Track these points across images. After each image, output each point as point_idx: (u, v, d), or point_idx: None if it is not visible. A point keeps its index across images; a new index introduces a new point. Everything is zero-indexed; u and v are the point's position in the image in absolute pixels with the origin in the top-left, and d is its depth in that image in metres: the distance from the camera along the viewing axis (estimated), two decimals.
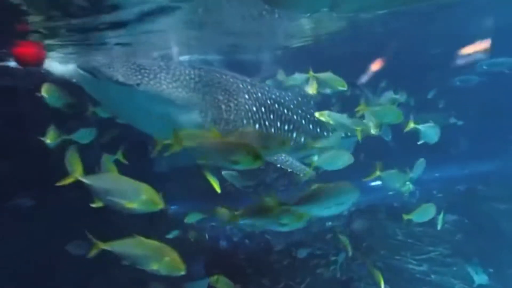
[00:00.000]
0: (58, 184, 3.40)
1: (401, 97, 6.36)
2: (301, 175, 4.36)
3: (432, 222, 7.93)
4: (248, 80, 5.00)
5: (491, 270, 7.31)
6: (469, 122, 9.39)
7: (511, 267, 7.49)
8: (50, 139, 4.55)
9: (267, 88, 5.16)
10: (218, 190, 3.93)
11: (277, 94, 5.25)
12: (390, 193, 8.48)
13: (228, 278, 6.73)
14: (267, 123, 4.89)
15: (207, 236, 8.45)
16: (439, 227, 6.25)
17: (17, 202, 5.75)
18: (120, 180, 3.40)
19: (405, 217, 5.54)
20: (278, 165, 4.37)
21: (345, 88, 5.33)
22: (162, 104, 4.19)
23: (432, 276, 6.90)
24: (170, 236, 6.17)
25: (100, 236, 3.58)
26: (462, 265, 7.08)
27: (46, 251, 5.95)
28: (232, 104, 4.54)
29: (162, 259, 3.33)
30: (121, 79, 3.98)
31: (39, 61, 3.81)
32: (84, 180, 3.36)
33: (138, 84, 4.06)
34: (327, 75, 5.23)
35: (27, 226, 5.94)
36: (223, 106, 4.45)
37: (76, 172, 3.35)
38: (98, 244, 3.48)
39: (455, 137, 9.33)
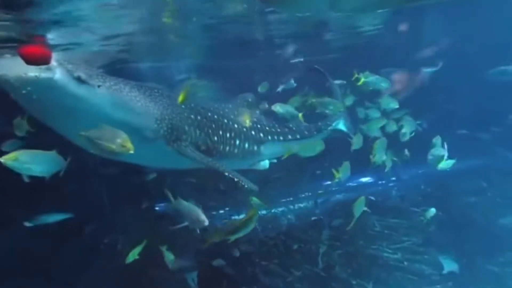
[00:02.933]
0: None
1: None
2: (246, 186, 4.49)
3: (407, 215, 8.59)
4: None
5: (462, 259, 7.91)
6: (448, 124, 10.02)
7: (481, 255, 8.08)
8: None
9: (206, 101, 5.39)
10: None
11: (216, 106, 5.48)
12: None
13: (217, 267, 7.21)
14: (210, 131, 5.09)
15: (198, 231, 8.89)
16: None
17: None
18: None
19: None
20: (226, 174, 4.50)
21: None
22: (121, 110, 4.11)
23: (405, 263, 7.49)
24: None
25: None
26: (433, 253, 7.68)
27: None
28: (178, 115, 4.70)
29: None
30: (83, 76, 3.79)
31: (45, 59, 3.64)
32: None
33: (99, 86, 3.92)
34: None
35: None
36: (174, 115, 4.61)
37: None
38: None
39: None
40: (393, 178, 10.71)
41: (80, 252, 6.80)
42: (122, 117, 4.12)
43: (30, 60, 3.59)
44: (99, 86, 3.91)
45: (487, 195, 9.20)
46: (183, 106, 4.86)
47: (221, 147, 5.22)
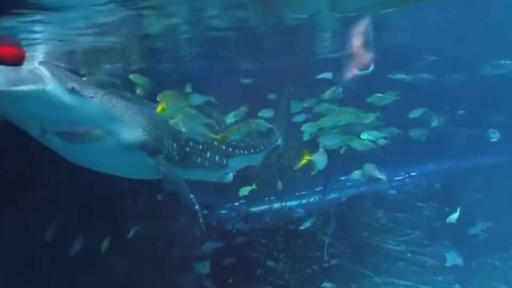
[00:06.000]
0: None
1: None
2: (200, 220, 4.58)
3: (412, 210, 8.83)
4: None
5: (465, 252, 8.11)
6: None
7: (484, 250, 8.27)
8: None
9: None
10: None
11: None
12: None
13: (229, 254, 7.65)
14: (182, 142, 5.13)
15: (214, 223, 9.39)
16: None
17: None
18: None
19: None
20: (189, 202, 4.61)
21: None
22: (111, 122, 4.13)
23: (408, 254, 7.77)
24: None
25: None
26: (436, 246, 7.92)
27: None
28: (159, 127, 4.72)
29: None
30: (77, 88, 3.79)
31: (19, 60, 3.52)
32: None
33: (91, 97, 3.92)
34: None
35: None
36: (156, 129, 4.63)
37: None
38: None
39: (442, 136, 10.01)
40: (406, 175, 11.02)
41: (94, 240, 7.17)
42: (113, 128, 4.17)
43: (2, 61, 3.44)
44: (91, 97, 3.94)
45: (494, 192, 9.34)
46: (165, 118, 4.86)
47: (193, 158, 5.30)
